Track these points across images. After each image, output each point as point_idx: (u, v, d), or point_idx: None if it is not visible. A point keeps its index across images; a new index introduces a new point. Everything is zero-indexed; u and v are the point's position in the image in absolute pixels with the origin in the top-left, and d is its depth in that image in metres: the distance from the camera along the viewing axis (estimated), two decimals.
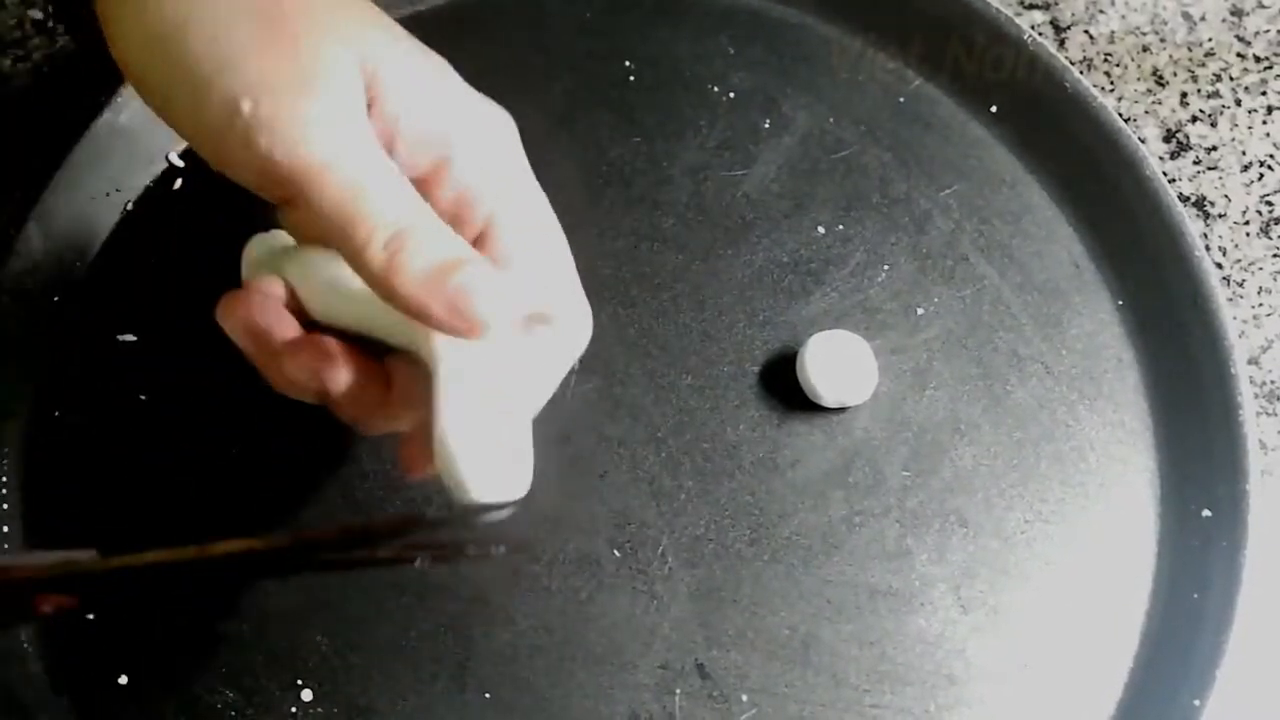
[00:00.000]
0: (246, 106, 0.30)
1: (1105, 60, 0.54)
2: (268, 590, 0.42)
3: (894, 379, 0.46)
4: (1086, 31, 0.55)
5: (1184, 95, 0.53)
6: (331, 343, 0.34)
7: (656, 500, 0.44)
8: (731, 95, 0.50)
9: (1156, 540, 0.45)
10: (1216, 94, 0.54)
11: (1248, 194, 0.52)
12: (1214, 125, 0.53)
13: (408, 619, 0.42)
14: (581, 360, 0.37)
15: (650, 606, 0.43)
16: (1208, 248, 0.50)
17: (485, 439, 0.32)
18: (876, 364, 0.45)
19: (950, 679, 0.42)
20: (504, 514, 0.32)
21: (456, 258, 0.31)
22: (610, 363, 0.46)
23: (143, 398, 0.45)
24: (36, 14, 0.52)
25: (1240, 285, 0.50)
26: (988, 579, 0.44)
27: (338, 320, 0.35)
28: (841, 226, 0.49)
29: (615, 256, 0.48)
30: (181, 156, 0.48)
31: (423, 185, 0.33)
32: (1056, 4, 0.55)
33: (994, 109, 0.51)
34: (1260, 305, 0.50)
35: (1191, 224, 0.47)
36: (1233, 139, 0.53)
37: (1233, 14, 0.55)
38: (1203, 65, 0.54)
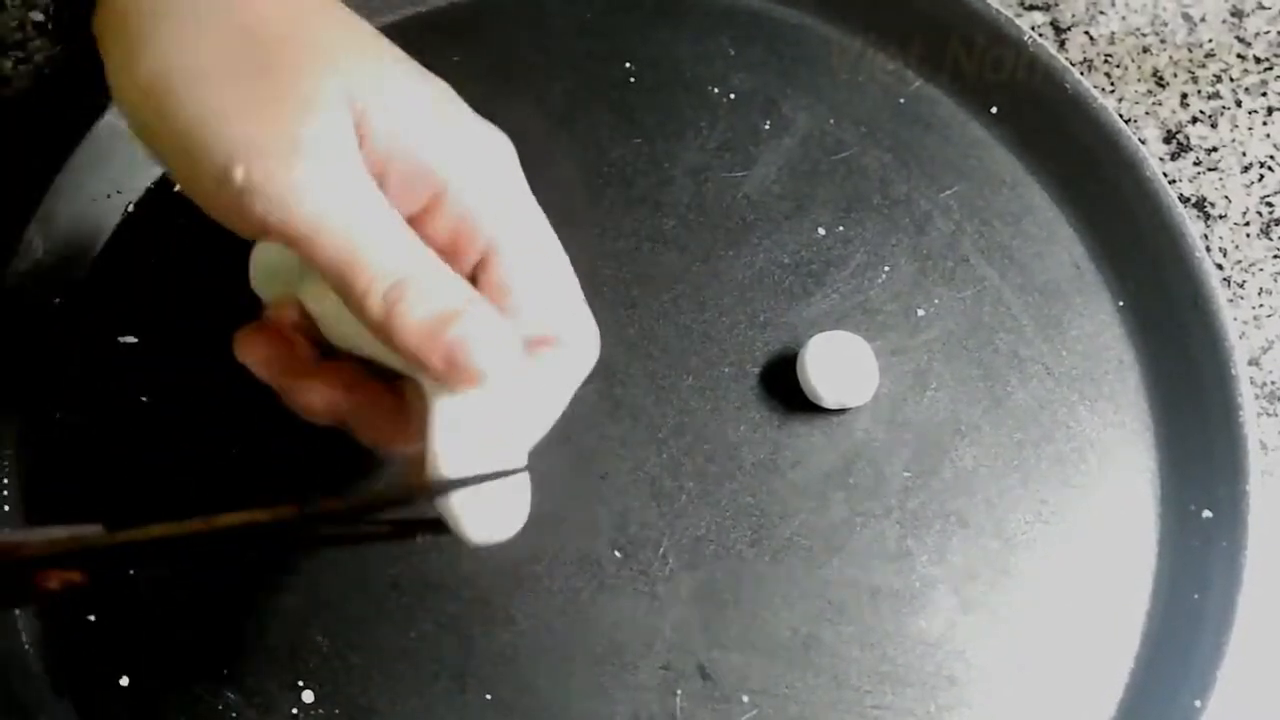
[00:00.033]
0: (239, 174, 0.30)
1: (1106, 61, 0.54)
2: (268, 590, 0.42)
3: (895, 380, 0.46)
4: (1087, 32, 0.55)
5: (1184, 96, 0.53)
6: (349, 370, 0.34)
7: (657, 501, 0.44)
8: (732, 96, 0.51)
9: (1157, 540, 0.45)
10: (1217, 95, 0.54)
11: (1248, 195, 0.52)
12: (1214, 126, 0.53)
13: (408, 619, 0.42)
14: None
15: (651, 607, 0.43)
16: (1208, 249, 0.50)
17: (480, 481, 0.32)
18: (877, 365, 0.45)
19: (951, 680, 0.42)
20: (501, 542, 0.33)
21: (455, 307, 0.31)
22: (611, 364, 0.46)
23: (143, 399, 0.45)
24: (38, 16, 0.52)
25: (1241, 286, 0.50)
26: (988, 580, 0.44)
27: (351, 346, 0.35)
28: (842, 228, 0.49)
29: (615, 257, 0.48)
30: None
31: (420, 217, 0.32)
32: (1057, 5, 0.55)
33: (994, 110, 0.51)
34: (1261, 306, 0.50)
35: (1192, 225, 0.47)
36: (1233, 140, 0.53)
37: (1233, 15, 0.55)
38: (1203, 66, 0.54)
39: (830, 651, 0.42)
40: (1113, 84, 0.53)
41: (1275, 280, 0.50)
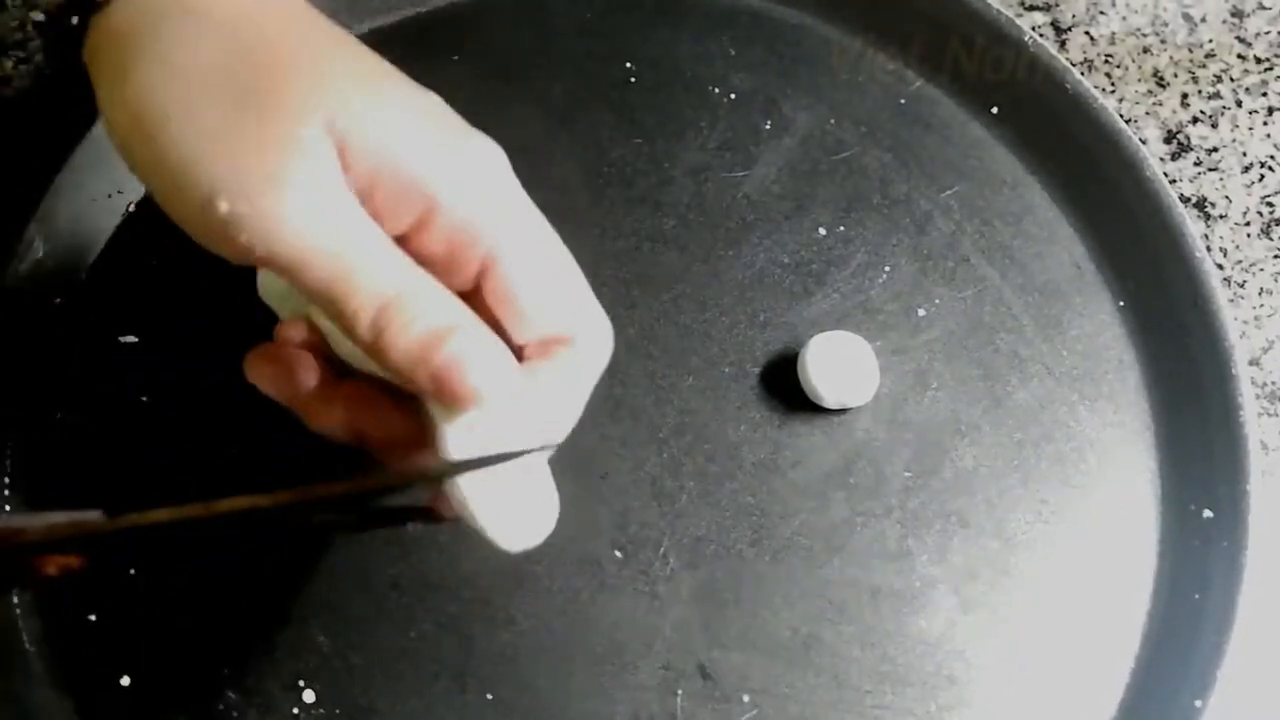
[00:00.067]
0: (223, 207, 0.30)
1: (1106, 61, 0.54)
2: (268, 590, 0.42)
3: (895, 380, 0.46)
4: (1087, 33, 0.55)
5: (1185, 96, 0.53)
6: (361, 388, 0.34)
7: (658, 501, 0.44)
8: (732, 96, 0.51)
9: (1157, 540, 0.45)
10: (1217, 95, 0.54)
11: (1248, 195, 0.52)
12: (1215, 126, 0.53)
13: (408, 619, 0.42)
14: None
15: (652, 607, 0.43)
16: (1208, 249, 0.50)
17: (502, 490, 0.32)
18: (877, 365, 0.45)
19: (951, 679, 0.42)
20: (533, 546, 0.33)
21: (446, 326, 0.31)
22: (611, 364, 0.46)
23: (144, 399, 0.45)
24: (39, 16, 0.52)
25: (1241, 286, 0.50)
26: (989, 579, 0.44)
27: (359, 364, 0.35)
28: (842, 227, 0.49)
29: (616, 257, 0.48)
30: None
31: (414, 232, 0.32)
32: (1057, 5, 0.55)
33: (995, 110, 0.51)
34: (1261, 306, 0.50)
35: (1192, 225, 0.47)
36: (1233, 140, 0.53)
37: (1233, 15, 0.55)
38: (1203, 66, 0.54)
39: (830, 651, 0.42)
40: (1113, 84, 0.53)
41: (1275, 280, 0.50)
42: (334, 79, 0.32)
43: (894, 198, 0.49)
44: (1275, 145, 0.53)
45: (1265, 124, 0.53)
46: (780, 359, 0.46)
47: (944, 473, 0.45)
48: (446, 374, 0.30)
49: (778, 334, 0.47)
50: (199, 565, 0.42)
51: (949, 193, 0.50)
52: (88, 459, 0.44)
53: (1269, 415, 0.48)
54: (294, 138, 0.30)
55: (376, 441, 0.35)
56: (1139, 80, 0.54)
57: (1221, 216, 0.51)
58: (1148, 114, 0.53)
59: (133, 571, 0.42)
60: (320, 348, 0.35)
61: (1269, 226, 0.51)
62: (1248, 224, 0.51)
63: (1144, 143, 0.50)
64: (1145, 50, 0.54)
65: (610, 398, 0.45)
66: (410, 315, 0.31)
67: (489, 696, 0.41)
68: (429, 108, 0.33)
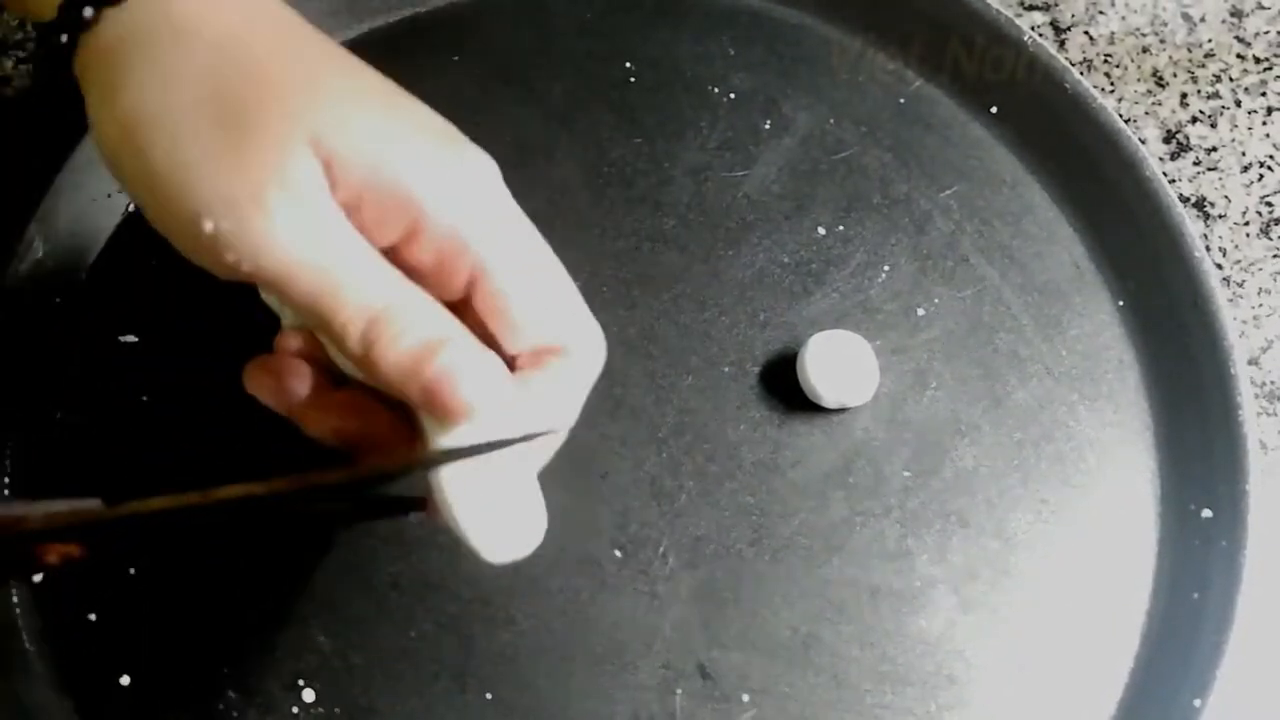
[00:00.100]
0: (208, 226, 0.30)
1: (1105, 61, 0.54)
2: (268, 590, 0.42)
3: (895, 379, 0.46)
4: (1086, 32, 0.55)
5: (1184, 96, 0.54)
6: (358, 397, 0.34)
7: (657, 501, 0.44)
8: (732, 96, 0.51)
9: (1156, 540, 0.45)
10: (1216, 95, 0.54)
11: (1248, 195, 0.52)
12: (1214, 126, 0.53)
13: (408, 619, 0.42)
14: None
15: (651, 607, 0.43)
16: (1208, 248, 0.50)
17: (488, 500, 0.32)
18: (877, 364, 0.45)
19: (951, 679, 0.42)
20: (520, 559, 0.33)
21: (437, 338, 0.31)
22: (611, 363, 0.45)
23: (144, 398, 0.45)
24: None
25: (1240, 286, 0.50)
26: (988, 579, 0.44)
27: (355, 374, 0.35)
28: (842, 227, 0.49)
29: (616, 257, 0.48)
30: None
31: (402, 244, 0.32)
32: (1057, 5, 0.55)
33: (994, 110, 0.51)
34: (1260, 306, 0.50)
35: (1192, 225, 0.47)
36: (1233, 140, 0.53)
37: (1232, 15, 0.55)
38: (1203, 66, 0.54)
39: (830, 651, 0.42)
40: (1112, 84, 0.54)
41: (1275, 280, 0.50)
42: (322, 95, 0.32)
43: (894, 197, 0.49)
44: (1274, 145, 0.53)
45: (1264, 124, 0.53)
46: (780, 358, 0.46)
47: (944, 472, 0.45)
48: (437, 387, 0.30)
49: (777, 333, 0.47)
50: (199, 564, 0.42)
51: (949, 192, 0.50)
52: (88, 459, 0.44)
53: (1268, 415, 0.48)
54: (278, 155, 0.30)
55: (372, 451, 0.35)
56: (1138, 80, 0.54)
57: (1221, 216, 0.51)
58: (1147, 114, 0.53)
59: (132, 571, 0.42)
60: (320, 355, 0.35)
61: (1268, 226, 0.51)
62: (1247, 224, 0.51)
63: (1143, 142, 0.50)
64: (1144, 50, 0.54)
65: (610, 397, 0.45)
66: (399, 328, 0.31)
67: (489, 696, 0.41)
68: (419, 120, 0.33)
